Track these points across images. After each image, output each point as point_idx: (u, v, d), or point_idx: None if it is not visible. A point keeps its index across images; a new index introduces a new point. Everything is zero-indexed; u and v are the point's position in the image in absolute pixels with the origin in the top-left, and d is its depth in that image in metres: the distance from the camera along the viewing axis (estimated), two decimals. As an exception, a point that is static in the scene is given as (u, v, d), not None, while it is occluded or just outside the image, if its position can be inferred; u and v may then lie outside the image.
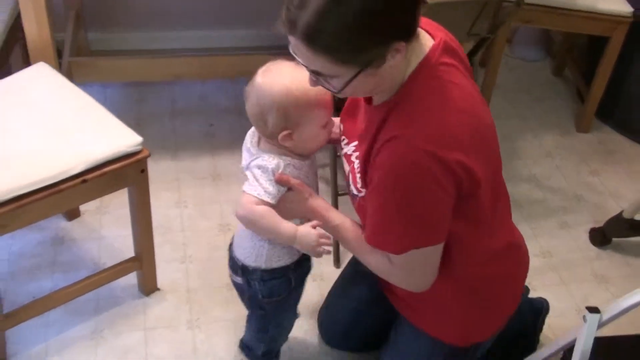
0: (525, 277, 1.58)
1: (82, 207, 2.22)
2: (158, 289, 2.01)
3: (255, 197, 1.34)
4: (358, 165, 1.32)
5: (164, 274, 2.03)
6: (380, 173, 1.19)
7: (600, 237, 2.30)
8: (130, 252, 2.03)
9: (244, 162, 1.43)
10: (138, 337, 1.88)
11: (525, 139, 2.78)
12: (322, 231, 1.37)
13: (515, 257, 1.50)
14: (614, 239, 2.30)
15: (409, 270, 1.33)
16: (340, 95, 1.22)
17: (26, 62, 2.36)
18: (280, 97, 1.28)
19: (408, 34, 1.11)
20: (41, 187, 1.56)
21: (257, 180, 1.35)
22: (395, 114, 1.18)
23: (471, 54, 2.12)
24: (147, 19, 2.86)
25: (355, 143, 1.35)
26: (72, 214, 2.19)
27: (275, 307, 1.56)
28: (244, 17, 2.92)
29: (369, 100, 1.30)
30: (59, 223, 2.18)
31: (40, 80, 1.84)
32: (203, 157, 2.51)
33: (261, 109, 1.32)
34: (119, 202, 2.26)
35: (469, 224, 1.29)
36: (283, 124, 1.31)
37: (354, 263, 1.79)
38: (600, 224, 2.35)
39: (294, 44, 1.12)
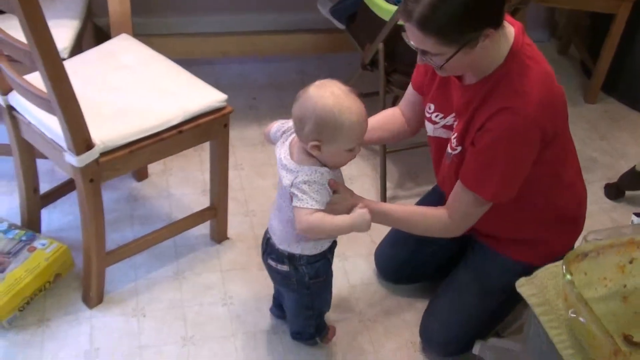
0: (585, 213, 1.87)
1: (150, 169, 2.44)
2: (228, 238, 2.24)
3: (309, 208, 1.50)
4: (455, 129, 1.64)
5: (231, 226, 2.25)
6: (493, 135, 1.50)
7: (615, 190, 2.57)
8: (197, 207, 2.27)
9: (287, 181, 1.54)
10: (216, 277, 2.11)
11: (539, 110, 3.03)
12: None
13: (580, 191, 1.82)
14: (627, 192, 2.57)
15: (464, 219, 1.64)
16: (440, 72, 1.54)
17: (98, 38, 2.59)
18: (321, 113, 1.47)
19: (497, 22, 1.43)
20: (147, 135, 1.79)
21: (305, 193, 1.50)
22: (499, 89, 1.50)
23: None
24: (183, 6, 3.08)
25: (453, 115, 1.67)
26: (141, 175, 2.42)
27: (318, 285, 1.74)
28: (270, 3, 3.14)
29: (460, 80, 1.60)
30: (131, 183, 2.40)
31: (128, 48, 2.07)
32: (251, 126, 2.74)
33: (303, 114, 1.50)
34: (180, 164, 2.49)
35: (550, 162, 1.61)
36: (316, 135, 1.49)
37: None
38: (612, 181, 2.62)
39: (408, 28, 1.45)
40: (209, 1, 3.08)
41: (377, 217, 1.63)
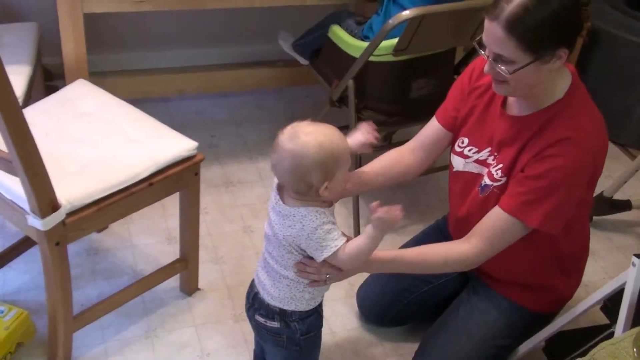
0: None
1: (110, 219, 2.31)
2: (199, 289, 2.12)
3: (340, 245, 1.43)
4: (494, 162, 1.62)
5: (201, 275, 2.13)
6: (551, 163, 1.49)
7: (583, 216, 2.58)
8: (162, 257, 2.16)
9: (286, 231, 1.44)
10: (190, 333, 1.99)
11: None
12: (384, 208, 1.43)
13: (586, 239, 1.81)
14: (595, 218, 2.58)
15: (492, 248, 1.58)
16: (500, 89, 1.52)
17: (47, 82, 2.45)
18: (319, 156, 1.36)
19: (571, 45, 1.43)
20: (115, 191, 1.67)
21: (328, 234, 1.42)
22: (559, 120, 1.50)
23: (470, 56, 2.36)
24: (137, 41, 2.96)
25: (489, 149, 1.65)
26: (102, 227, 2.28)
27: (308, 341, 1.63)
28: (226, 35, 3.07)
29: (505, 111, 1.61)
30: (90, 236, 2.26)
31: (87, 95, 1.95)
32: (212, 166, 2.64)
33: (301, 173, 1.37)
34: (141, 212, 2.34)
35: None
36: (324, 178, 1.38)
37: None
38: (578, 207, 2.63)
39: (490, 28, 1.41)
40: (163, 36, 2.97)
41: (386, 265, 1.59)
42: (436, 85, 2.23)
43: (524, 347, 1.84)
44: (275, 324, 1.59)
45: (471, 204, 1.70)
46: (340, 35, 2.26)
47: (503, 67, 1.44)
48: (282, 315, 1.57)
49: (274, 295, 1.55)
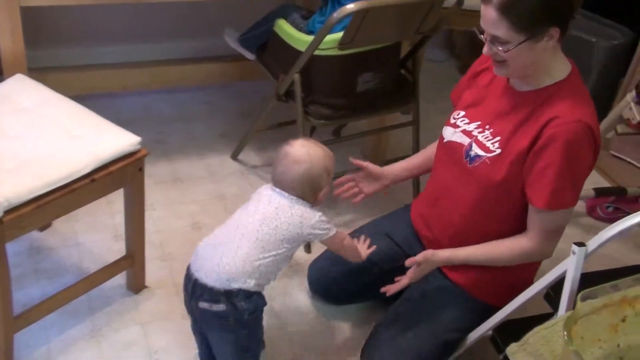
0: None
1: (53, 217, 2.25)
2: (146, 287, 2.09)
3: (335, 233, 1.68)
4: (489, 135, 1.70)
5: (148, 272, 2.10)
6: (555, 143, 1.56)
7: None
8: (108, 255, 2.12)
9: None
10: (137, 331, 1.96)
11: (447, 130, 3.08)
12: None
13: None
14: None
15: (552, 235, 1.68)
16: (500, 70, 1.61)
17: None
18: (325, 162, 1.65)
19: (564, 26, 1.51)
20: (56, 187, 1.63)
21: (323, 229, 1.66)
22: (557, 99, 1.59)
23: (415, 50, 2.38)
24: (81, 36, 2.90)
25: (479, 122, 1.74)
26: (44, 225, 2.22)
27: (255, 321, 1.67)
28: (167, 30, 3.03)
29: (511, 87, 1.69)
30: (32, 234, 2.20)
31: (25, 90, 1.89)
32: (159, 162, 2.60)
33: (313, 178, 1.63)
34: (87, 209, 2.30)
35: None
36: (328, 183, 1.67)
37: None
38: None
39: (484, 11, 1.52)
40: (106, 30, 2.92)
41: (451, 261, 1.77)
42: (382, 79, 2.25)
43: (472, 336, 1.86)
44: (221, 307, 1.59)
45: (459, 173, 1.75)
46: (285, 29, 2.25)
47: (500, 48, 1.54)
48: (227, 296, 1.58)
49: (230, 273, 1.57)
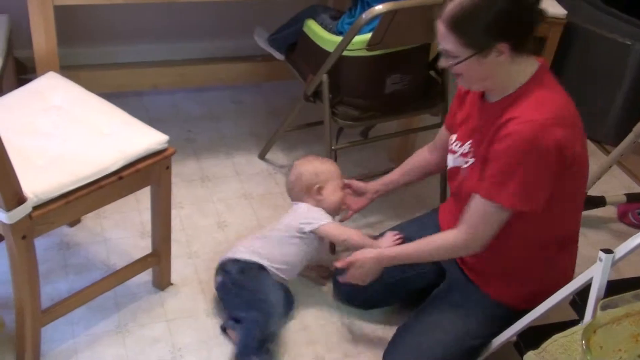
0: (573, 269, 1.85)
1: (83, 213, 2.28)
2: (172, 284, 2.11)
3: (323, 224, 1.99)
4: (468, 148, 1.74)
5: (174, 270, 2.12)
6: (506, 142, 1.54)
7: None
8: (135, 252, 2.14)
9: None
10: (162, 327, 1.98)
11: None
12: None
13: (574, 247, 1.83)
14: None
15: (485, 231, 1.65)
16: (460, 82, 1.65)
17: (19, 72, 2.43)
18: (314, 165, 2.07)
19: (515, 43, 1.52)
20: (84, 184, 1.65)
21: (314, 219, 2.00)
22: (517, 104, 1.58)
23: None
24: (112, 35, 2.94)
25: (470, 141, 1.74)
26: (73, 221, 2.25)
27: (252, 279, 1.94)
28: (199, 30, 3.05)
29: (483, 99, 1.71)
30: (62, 230, 2.24)
31: (57, 88, 1.92)
32: (188, 161, 2.62)
33: (303, 180, 2.05)
34: (115, 206, 2.33)
35: (563, 196, 1.64)
36: (320, 179, 2.03)
37: None
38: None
39: (437, 26, 1.56)
40: (137, 29, 2.95)
41: (389, 261, 1.81)
42: (410, 80, 2.23)
43: (496, 342, 1.84)
44: (219, 279, 2.00)
45: (460, 198, 1.77)
46: (315, 29, 2.25)
47: (450, 61, 1.58)
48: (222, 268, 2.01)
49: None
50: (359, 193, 2.11)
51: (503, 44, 1.51)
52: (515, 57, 1.55)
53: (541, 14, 1.54)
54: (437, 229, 1.92)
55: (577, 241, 1.85)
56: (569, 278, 1.80)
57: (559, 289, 1.65)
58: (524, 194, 1.57)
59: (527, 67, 1.60)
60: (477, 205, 1.63)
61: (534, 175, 1.55)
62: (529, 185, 1.57)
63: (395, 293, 2.01)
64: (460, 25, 1.51)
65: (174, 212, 2.36)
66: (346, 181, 2.09)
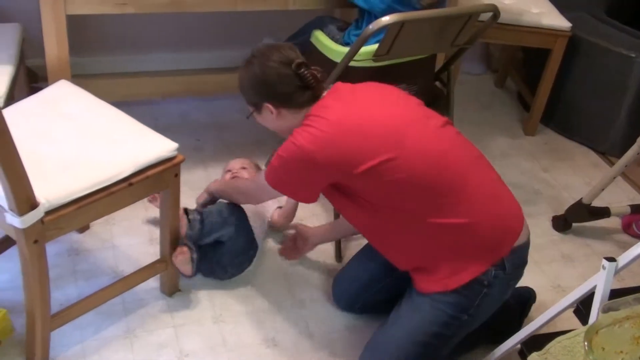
0: (485, 246, 1.80)
1: (92, 220, 2.31)
2: (179, 290, 2.13)
3: None
4: None
5: (182, 277, 2.15)
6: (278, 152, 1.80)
7: (562, 222, 2.61)
8: (144, 258, 2.17)
9: None
10: (169, 333, 2.00)
11: (481, 143, 3.08)
12: None
13: (459, 232, 1.78)
14: (574, 224, 2.62)
15: (255, 192, 2.04)
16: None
17: (30, 80, 2.46)
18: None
19: (278, 101, 1.81)
20: (95, 190, 1.68)
21: None
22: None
23: (450, 63, 2.39)
24: (122, 44, 2.98)
25: None
26: (82, 227, 2.28)
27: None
28: (211, 39, 3.09)
29: None
30: (71, 236, 2.27)
31: (69, 96, 1.96)
32: (196, 170, 2.65)
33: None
34: (124, 213, 2.36)
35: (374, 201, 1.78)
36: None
37: (367, 245, 2.08)
38: (557, 213, 2.66)
39: None
40: (147, 39, 2.99)
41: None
42: (416, 91, 2.26)
43: (500, 350, 1.86)
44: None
45: None
46: (322, 40, 2.28)
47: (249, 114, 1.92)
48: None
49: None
50: (302, 238, 2.22)
51: (266, 104, 1.82)
52: (283, 113, 1.82)
53: (309, 79, 1.78)
54: None
55: (455, 203, 1.79)
56: (476, 234, 1.77)
57: (475, 253, 1.74)
58: (280, 183, 1.86)
59: (293, 120, 1.82)
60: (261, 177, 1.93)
61: (287, 180, 1.84)
62: (284, 182, 1.85)
63: (387, 295, 2.04)
64: (240, 88, 1.89)
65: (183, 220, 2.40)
66: (295, 225, 2.33)
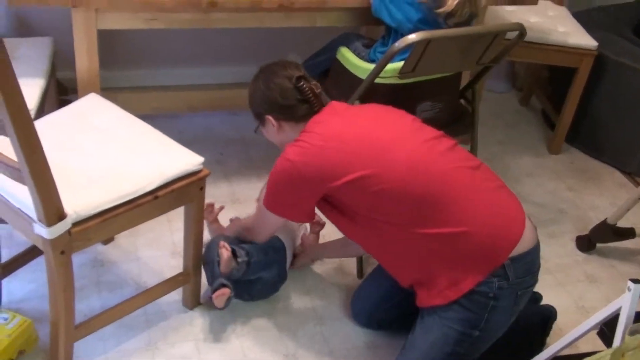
0: (477, 256, 1.77)
1: (116, 231, 2.34)
2: (200, 303, 2.14)
3: None
4: None
5: (203, 291, 2.15)
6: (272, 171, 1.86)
7: (587, 243, 2.59)
8: (167, 271, 2.18)
9: None
10: (191, 347, 2.01)
11: (506, 161, 3.07)
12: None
13: (450, 241, 1.77)
14: (598, 245, 2.59)
15: (259, 225, 2.04)
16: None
17: (60, 93, 2.50)
18: None
19: (279, 112, 1.89)
20: (121, 202, 1.70)
21: None
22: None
23: (475, 81, 2.39)
24: (150, 58, 3.02)
25: None
26: (107, 239, 2.31)
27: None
28: (230, 55, 3.12)
29: None
30: (96, 247, 2.29)
31: (98, 109, 1.99)
32: (219, 183, 2.67)
33: None
34: (148, 225, 2.38)
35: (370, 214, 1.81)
36: None
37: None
38: (582, 233, 2.64)
39: None
40: (175, 53, 3.03)
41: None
42: (441, 108, 2.26)
43: (523, 373, 1.84)
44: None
45: None
46: (347, 57, 2.30)
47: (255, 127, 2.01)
48: None
49: None
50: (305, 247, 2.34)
51: (268, 116, 1.90)
52: (283, 125, 1.90)
53: (307, 92, 1.85)
54: None
55: (445, 213, 1.78)
56: (468, 243, 1.76)
57: (470, 262, 1.73)
58: (280, 206, 1.90)
59: (292, 134, 1.89)
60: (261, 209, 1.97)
61: (288, 195, 1.87)
62: (281, 203, 1.90)
63: (402, 311, 2.04)
64: (249, 103, 1.97)
65: (206, 234, 2.41)
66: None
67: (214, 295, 1.97)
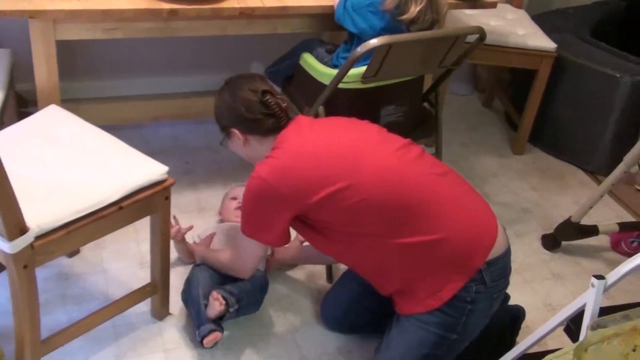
0: (456, 261, 1.79)
1: (82, 244, 2.30)
2: (170, 314, 2.12)
3: None
4: None
5: (172, 300, 2.13)
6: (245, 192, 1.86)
7: (552, 241, 2.63)
8: (134, 282, 2.16)
9: None
10: (160, 358, 1.99)
11: (470, 162, 3.10)
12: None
13: (428, 249, 1.78)
14: (564, 243, 2.63)
15: (243, 255, 1.99)
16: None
17: (19, 105, 2.47)
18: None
19: (245, 129, 1.89)
20: (85, 214, 1.68)
21: None
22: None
23: (437, 84, 2.41)
24: (113, 69, 2.99)
25: None
26: (72, 251, 2.28)
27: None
28: (198, 63, 3.11)
29: None
30: (61, 260, 2.26)
31: (59, 121, 1.96)
32: (185, 192, 2.65)
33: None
34: (114, 236, 2.35)
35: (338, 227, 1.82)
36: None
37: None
38: (547, 231, 2.68)
39: None
40: (137, 63, 3.01)
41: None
42: (405, 112, 2.28)
43: (491, 371, 1.86)
44: None
45: None
46: (310, 62, 2.30)
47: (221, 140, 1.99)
48: None
49: None
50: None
51: (233, 129, 1.90)
52: (249, 139, 1.90)
53: (273, 106, 1.85)
54: None
55: (417, 222, 1.80)
56: (444, 250, 1.77)
57: (448, 268, 1.75)
58: (258, 229, 1.87)
59: (259, 147, 1.91)
60: (241, 237, 1.94)
61: (262, 216, 1.85)
62: (258, 224, 1.87)
63: (373, 315, 2.07)
64: (215, 115, 1.96)
65: (171, 243, 2.39)
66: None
67: (205, 341, 1.95)
